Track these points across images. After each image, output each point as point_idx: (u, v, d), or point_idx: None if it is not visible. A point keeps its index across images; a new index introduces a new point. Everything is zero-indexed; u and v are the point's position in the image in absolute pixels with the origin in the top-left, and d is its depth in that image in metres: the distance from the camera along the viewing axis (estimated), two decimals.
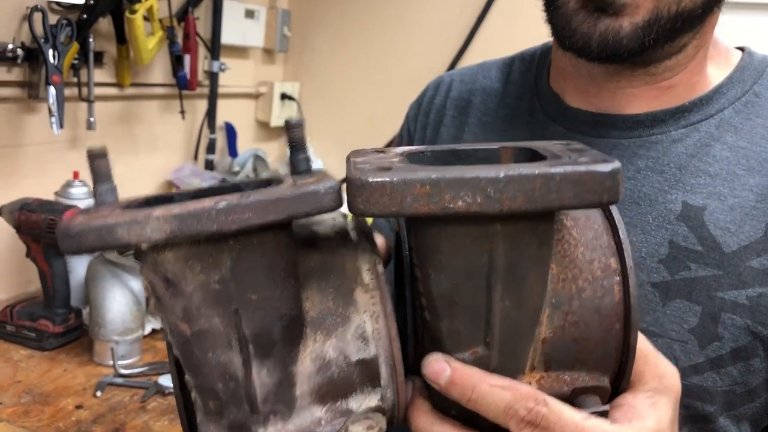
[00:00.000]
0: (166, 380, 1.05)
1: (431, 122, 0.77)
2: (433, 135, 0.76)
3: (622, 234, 0.40)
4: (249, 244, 0.34)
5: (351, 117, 2.00)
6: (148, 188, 1.66)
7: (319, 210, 0.34)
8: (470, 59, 1.74)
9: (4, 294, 1.33)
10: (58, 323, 1.14)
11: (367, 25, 1.93)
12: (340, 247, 0.41)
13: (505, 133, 0.68)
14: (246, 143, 1.93)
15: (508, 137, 0.67)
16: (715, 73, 0.61)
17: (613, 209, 0.41)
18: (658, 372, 0.41)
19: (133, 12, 1.34)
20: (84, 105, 1.36)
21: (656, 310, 0.56)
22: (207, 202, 0.32)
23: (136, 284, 1.16)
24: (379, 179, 0.33)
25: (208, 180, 1.67)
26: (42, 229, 1.11)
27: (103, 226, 0.32)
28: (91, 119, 1.37)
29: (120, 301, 1.13)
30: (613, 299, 0.39)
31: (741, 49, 0.64)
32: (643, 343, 0.41)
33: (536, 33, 0.71)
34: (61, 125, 1.23)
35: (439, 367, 0.38)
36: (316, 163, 2.05)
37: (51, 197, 1.27)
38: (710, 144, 0.58)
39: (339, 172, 2.03)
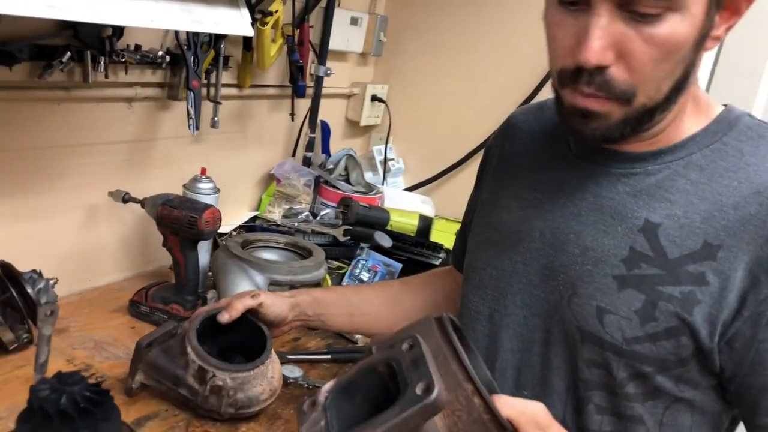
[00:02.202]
0: (285, 371, 1.17)
1: (497, 165, 0.98)
2: (499, 172, 0.97)
3: (466, 363, 0.60)
4: None
5: (435, 121, 2.09)
6: (253, 180, 1.78)
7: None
8: None
9: (129, 272, 1.47)
10: (188, 308, 1.27)
11: (458, 35, 2.01)
12: None
13: (543, 165, 0.90)
14: (336, 139, 2.03)
15: (539, 162, 0.90)
16: (694, 124, 0.78)
17: (459, 350, 0.61)
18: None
19: (264, 24, 1.45)
20: (210, 104, 1.48)
21: (613, 296, 0.76)
22: None
23: (259, 277, 1.29)
24: None
25: (306, 175, 1.79)
26: (182, 224, 1.23)
27: None
28: (216, 118, 1.48)
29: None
30: (480, 412, 0.59)
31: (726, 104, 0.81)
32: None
33: None
34: (197, 127, 1.35)
35: None
36: (398, 162, 2.16)
37: (178, 188, 1.40)
38: (675, 179, 0.77)
39: (418, 170, 2.14)
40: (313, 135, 1.85)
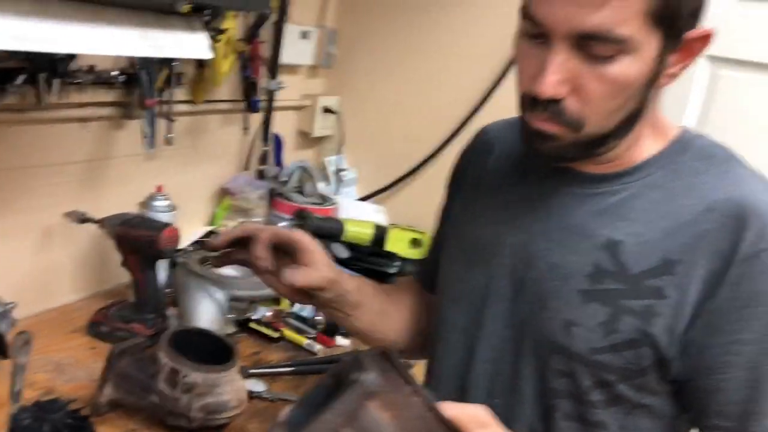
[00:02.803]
0: (249, 385, 1.19)
1: (471, 179, 1.01)
2: (472, 187, 1.00)
3: (405, 372, 0.64)
4: None
5: (387, 131, 2.13)
6: (208, 194, 1.79)
7: None
8: (507, 87, 1.88)
9: (86, 292, 1.47)
10: (150, 326, 1.28)
11: (408, 45, 2.06)
12: None
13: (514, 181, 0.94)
14: (288, 151, 2.05)
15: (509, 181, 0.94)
16: (652, 146, 0.83)
17: (398, 364, 0.65)
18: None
19: (218, 41, 1.46)
20: (163, 121, 1.48)
21: (579, 309, 0.81)
22: None
23: (219, 293, 1.30)
24: None
25: (259, 188, 1.81)
26: (142, 244, 1.24)
27: None
28: (170, 135, 1.49)
29: (207, 310, 1.28)
30: (421, 408, 0.64)
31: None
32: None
33: None
34: (152, 145, 1.36)
35: None
36: (351, 172, 2.19)
37: (134, 206, 1.40)
38: (636, 198, 0.82)
39: (372, 179, 2.17)
40: (266, 148, 1.87)
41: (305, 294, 0.95)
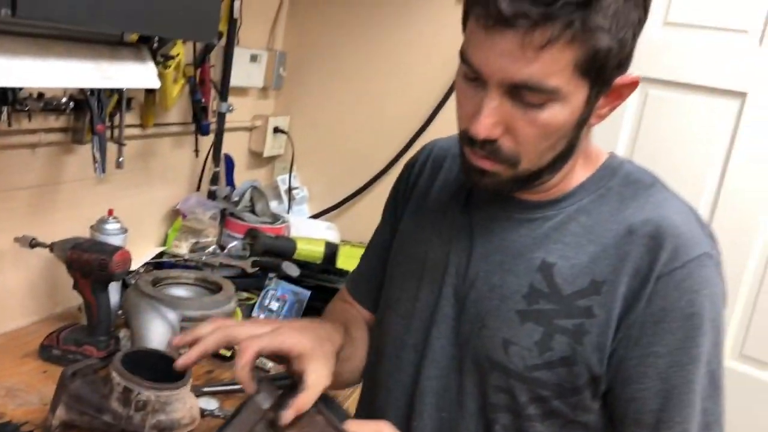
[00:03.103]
0: (201, 403, 1.21)
1: (418, 196, 1.04)
2: (420, 203, 1.04)
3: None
4: None
5: (337, 149, 2.19)
6: (159, 216, 1.81)
7: None
8: (454, 104, 1.95)
9: (37, 315, 1.48)
10: (102, 348, 1.29)
11: (356, 65, 2.12)
12: None
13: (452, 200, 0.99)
14: (240, 170, 2.09)
15: (455, 202, 0.98)
16: (583, 173, 0.89)
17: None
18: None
19: (167, 67, 1.50)
20: (114, 146, 1.51)
21: (516, 328, 0.86)
22: None
23: (172, 315, 1.33)
24: None
25: (211, 209, 1.84)
26: (93, 267, 1.26)
27: None
28: (121, 159, 1.51)
29: (159, 331, 1.30)
30: (323, 425, 0.75)
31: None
32: None
33: None
34: (103, 170, 1.38)
35: None
36: (302, 191, 2.23)
37: (85, 230, 1.42)
38: (568, 222, 0.87)
39: (323, 197, 2.22)
40: (217, 169, 1.90)
41: None
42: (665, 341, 0.81)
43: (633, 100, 1.80)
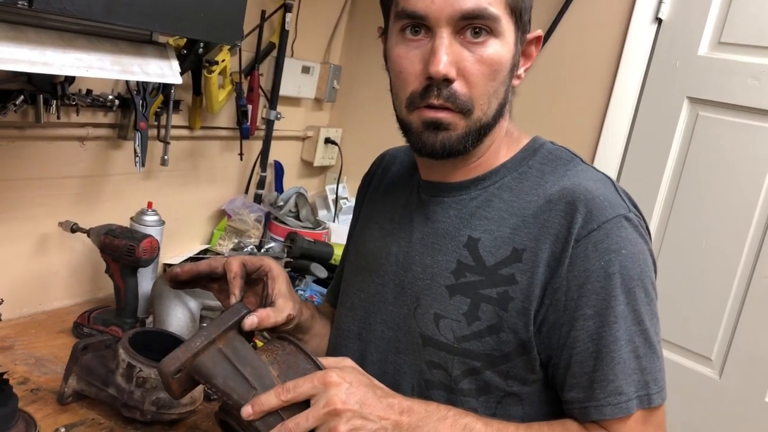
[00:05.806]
0: None
1: (368, 199, 1.13)
2: (370, 205, 1.11)
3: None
4: None
5: None
6: (205, 215, 1.90)
7: None
8: None
9: (80, 298, 1.58)
10: (127, 330, 1.37)
11: None
12: None
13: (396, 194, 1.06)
14: (291, 178, 2.17)
15: (397, 198, 1.05)
16: (505, 153, 0.95)
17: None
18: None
19: (211, 72, 1.59)
20: (161, 144, 1.61)
21: (446, 302, 0.90)
22: None
23: (194, 304, 1.40)
24: None
25: (256, 211, 1.91)
26: (122, 252, 1.34)
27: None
28: (165, 157, 1.61)
29: (180, 317, 1.37)
30: (291, 348, 0.83)
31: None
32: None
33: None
34: (143, 164, 1.48)
35: (245, 410, 0.76)
36: (349, 201, 2.28)
37: (126, 220, 1.52)
38: (491, 200, 0.92)
39: None
40: (264, 174, 1.98)
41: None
42: (591, 302, 0.83)
43: (682, 120, 1.75)
